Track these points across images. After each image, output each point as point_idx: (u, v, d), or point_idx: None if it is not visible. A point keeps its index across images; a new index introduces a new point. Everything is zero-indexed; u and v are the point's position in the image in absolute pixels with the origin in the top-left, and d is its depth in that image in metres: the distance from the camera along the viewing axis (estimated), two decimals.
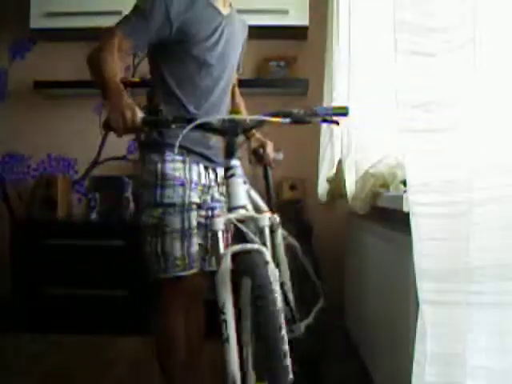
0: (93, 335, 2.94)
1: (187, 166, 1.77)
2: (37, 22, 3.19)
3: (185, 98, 1.78)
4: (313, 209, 3.27)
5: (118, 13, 3.03)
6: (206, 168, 1.83)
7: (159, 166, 1.74)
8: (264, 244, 1.36)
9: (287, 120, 1.48)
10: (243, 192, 1.45)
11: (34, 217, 3.31)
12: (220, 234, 1.36)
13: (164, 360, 1.80)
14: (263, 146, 2.17)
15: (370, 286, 2.25)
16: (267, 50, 3.36)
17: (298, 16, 3.09)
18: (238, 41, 1.94)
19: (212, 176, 1.85)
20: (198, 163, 1.80)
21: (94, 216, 3.32)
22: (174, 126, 1.42)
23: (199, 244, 1.80)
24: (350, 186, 2.25)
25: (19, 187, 3.54)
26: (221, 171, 1.81)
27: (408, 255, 1.32)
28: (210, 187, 1.84)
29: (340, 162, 2.46)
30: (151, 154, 1.77)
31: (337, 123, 1.68)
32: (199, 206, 1.80)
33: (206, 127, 1.48)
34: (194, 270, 1.76)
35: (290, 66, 3.37)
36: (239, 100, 2.21)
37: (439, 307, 1.15)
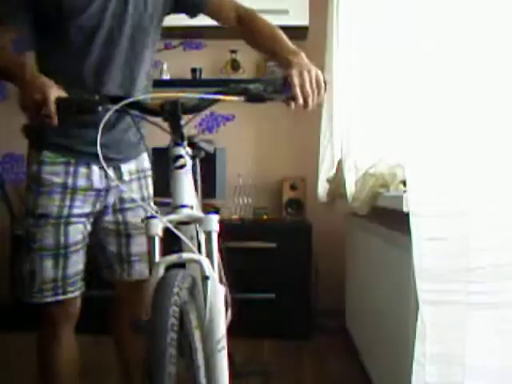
0: (93, 335, 2.93)
1: (71, 170, 1.47)
2: None
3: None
4: (313, 209, 3.27)
5: None
6: (101, 169, 1.48)
7: (35, 167, 1.47)
8: (209, 254, 1.13)
9: (241, 98, 1.23)
10: (189, 188, 1.21)
11: None
12: (157, 241, 1.12)
13: None
14: None
15: (370, 285, 2.25)
16: None
17: (298, 16, 3.09)
18: None
19: (114, 176, 1.50)
20: (88, 165, 1.48)
21: None
22: (100, 109, 1.19)
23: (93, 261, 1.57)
24: (350, 186, 2.25)
25: (19, 187, 3.54)
26: (127, 167, 1.56)
27: (408, 255, 1.32)
28: (108, 190, 1.52)
29: (340, 161, 2.46)
30: (30, 149, 1.52)
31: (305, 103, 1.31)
32: (102, 214, 1.54)
33: (140, 108, 1.26)
34: (72, 295, 1.50)
35: None
36: (260, 25, 1.49)
37: (439, 307, 1.15)
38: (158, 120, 1.26)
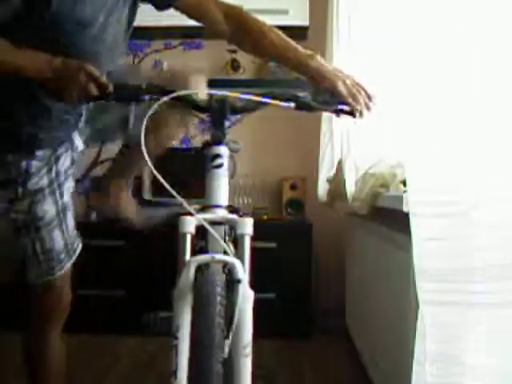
0: (93, 335, 2.94)
1: None
2: None
3: None
4: (313, 209, 3.27)
5: None
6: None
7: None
8: (241, 257, 1.11)
9: (291, 105, 1.21)
10: (225, 188, 1.19)
11: None
12: (189, 238, 1.09)
13: None
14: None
15: (371, 285, 2.25)
16: None
17: (298, 16, 3.09)
18: None
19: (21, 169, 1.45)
20: None
21: (93, 216, 3.32)
22: (147, 99, 1.15)
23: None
24: (350, 186, 2.25)
25: None
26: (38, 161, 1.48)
27: (408, 255, 1.32)
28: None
29: (340, 161, 2.46)
30: None
31: (353, 115, 1.31)
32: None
33: (188, 102, 1.22)
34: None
35: None
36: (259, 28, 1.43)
37: (439, 307, 1.15)
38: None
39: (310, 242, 3.03)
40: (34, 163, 1.47)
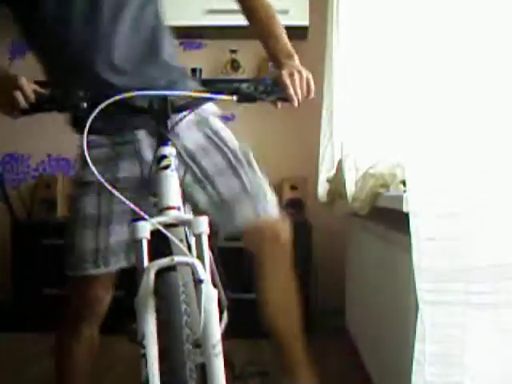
0: None
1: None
2: None
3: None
4: (313, 209, 3.27)
5: None
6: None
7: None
8: (200, 257, 1.08)
9: (233, 97, 1.19)
10: (176, 189, 1.16)
11: (34, 217, 3.31)
12: (145, 244, 1.06)
13: None
14: None
15: (370, 285, 2.25)
16: None
17: (298, 16, 3.09)
18: None
19: None
20: None
21: None
22: (85, 106, 1.11)
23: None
24: (350, 186, 2.25)
25: (19, 187, 3.54)
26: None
27: (408, 255, 1.32)
28: None
29: (340, 161, 2.46)
30: None
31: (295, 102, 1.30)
32: None
33: (122, 106, 1.17)
34: (112, 268, 1.45)
35: None
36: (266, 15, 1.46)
37: (439, 307, 1.15)
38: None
39: (310, 242, 3.02)
40: None
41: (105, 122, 1.19)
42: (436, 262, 1.15)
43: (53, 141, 3.51)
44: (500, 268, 1.06)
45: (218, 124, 1.58)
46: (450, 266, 1.13)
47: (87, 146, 1.19)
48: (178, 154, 1.24)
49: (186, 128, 1.44)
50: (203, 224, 1.09)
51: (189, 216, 1.14)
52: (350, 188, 2.25)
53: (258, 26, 1.46)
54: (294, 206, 3.28)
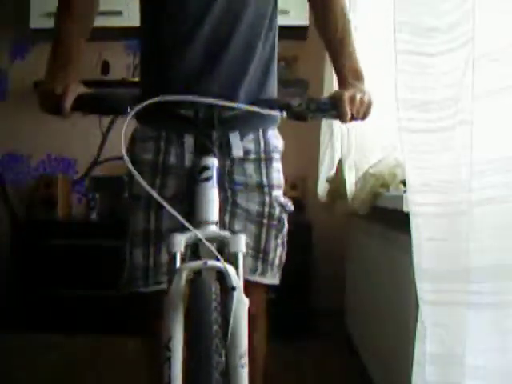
0: (93, 335, 2.94)
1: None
2: (37, 22, 3.19)
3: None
4: (313, 209, 3.27)
5: (119, 13, 3.06)
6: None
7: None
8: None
9: (283, 114, 1.18)
10: (216, 203, 1.11)
11: (33, 217, 3.32)
12: (178, 257, 1.03)
13: None
14: None
15: (370, 285, 2.25)
16: None
17: (298, 16, 3.09)
18: None
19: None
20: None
21: (93, 216, 3.32)
22: (128, 110, 1.06)
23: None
24: (350, 186, 2.25)
25: (19, 187, 3.54)
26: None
27: (408, 255, 1.32)
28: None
29: (340, 161, 2.46)
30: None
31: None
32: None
33: (166, 114, 1.15)
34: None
35: (290, 66, 3.37)
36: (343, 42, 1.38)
37: (439, 307, 1.15)
38: None
39: (310, 241, 3.03)
40: None
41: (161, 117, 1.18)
42: (436, 262, 1.15)
43: (53, 141, 3.51)
44: (500, 268, 1.05)
45: (276, 179, 1.62)
46: (449, 266, 1.13)
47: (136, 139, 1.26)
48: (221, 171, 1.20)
49: (249, 172, 1.50)
50: (242, 243, 1.05)
51: (226, 233, 1.09)
52: (350, 188, 2.25)
53: (331, 35, 1.42)
54: (294, 206, 3.27)
